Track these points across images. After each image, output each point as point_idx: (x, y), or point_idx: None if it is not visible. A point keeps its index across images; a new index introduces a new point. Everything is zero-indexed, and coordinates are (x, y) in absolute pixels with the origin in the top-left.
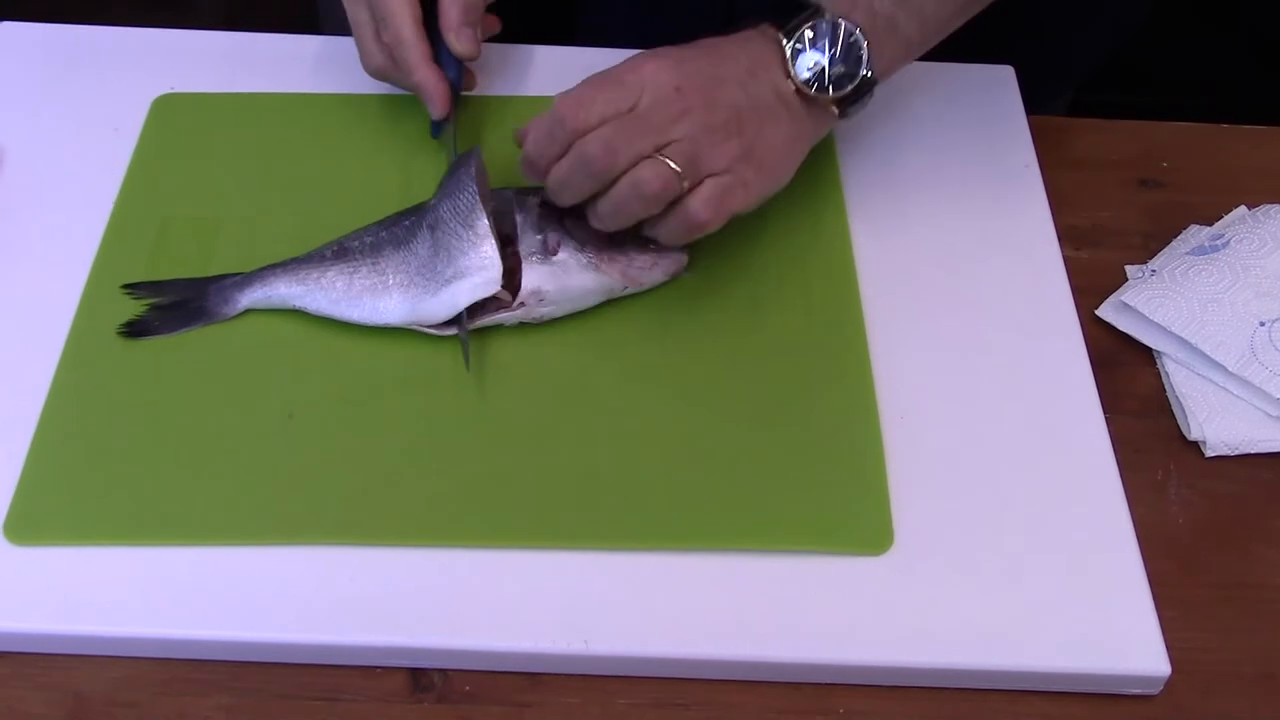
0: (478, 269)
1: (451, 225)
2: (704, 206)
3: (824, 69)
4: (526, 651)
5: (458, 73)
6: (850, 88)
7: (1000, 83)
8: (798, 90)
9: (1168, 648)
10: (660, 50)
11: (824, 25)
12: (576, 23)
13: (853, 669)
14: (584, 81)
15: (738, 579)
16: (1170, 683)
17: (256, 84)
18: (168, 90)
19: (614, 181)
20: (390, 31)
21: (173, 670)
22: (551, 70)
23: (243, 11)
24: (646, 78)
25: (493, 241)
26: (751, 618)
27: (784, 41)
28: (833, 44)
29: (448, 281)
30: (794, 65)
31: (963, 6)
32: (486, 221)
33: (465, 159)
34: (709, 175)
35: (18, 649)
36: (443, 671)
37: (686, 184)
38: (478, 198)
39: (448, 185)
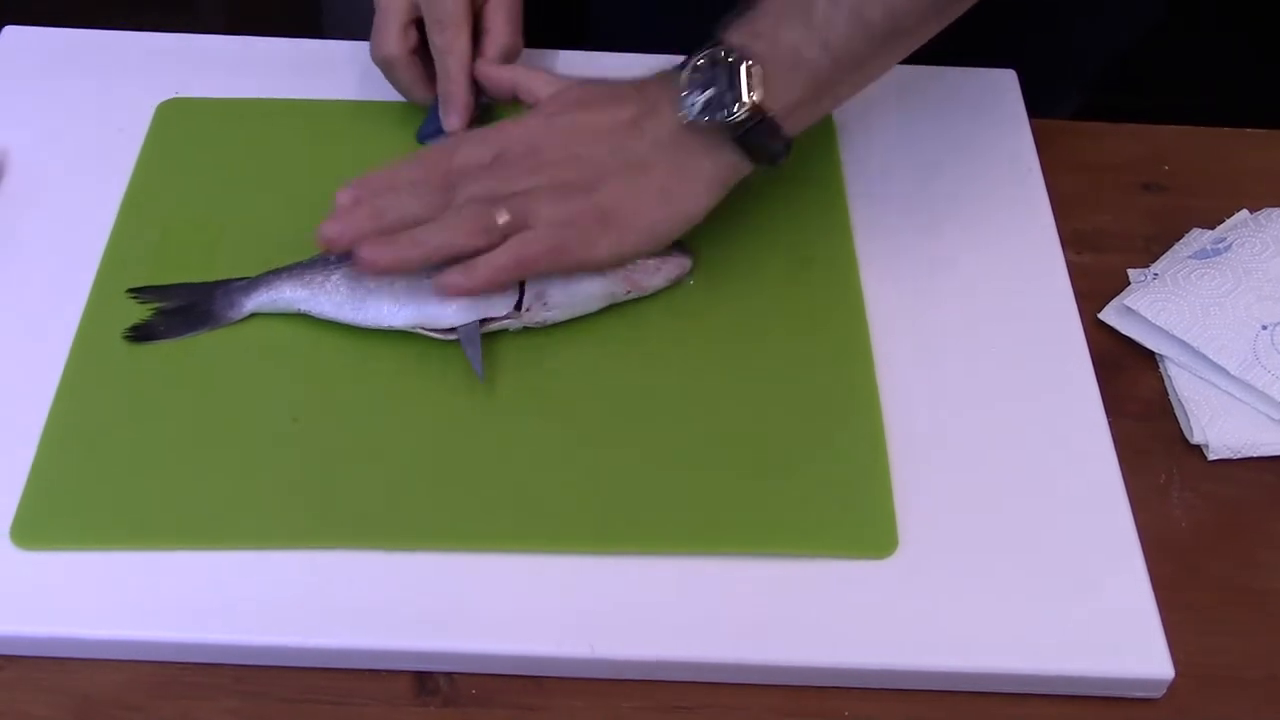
0: None
1: None
2: (534, 241)
3: (713, 99)
4: (532, 655)
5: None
6: (739, 115)
7: (1003, 87)
8: (690, 125)
9: (1171, 651)
10: (537, 108)
11: (719, 55)
12: (587, 24)
13: (857, 672)
14: (464, 132)
15: (742, 583)
16: (1174, 686)
17: (261, 88)
18: (173, 94)
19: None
20: (445, 36)
21: (178, 674)
22: (565, 74)
23: (247, 15)
24: (510, 135)
25: None
26: (756, 621)
27: (680, 75)
28: (724, 74)
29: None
30: (685, 98)
31: (880, 43)
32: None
33: None
34: (541, 226)
35: (24, 653)
36: (448, 675)
37: (500, 237)
38: None
39: None
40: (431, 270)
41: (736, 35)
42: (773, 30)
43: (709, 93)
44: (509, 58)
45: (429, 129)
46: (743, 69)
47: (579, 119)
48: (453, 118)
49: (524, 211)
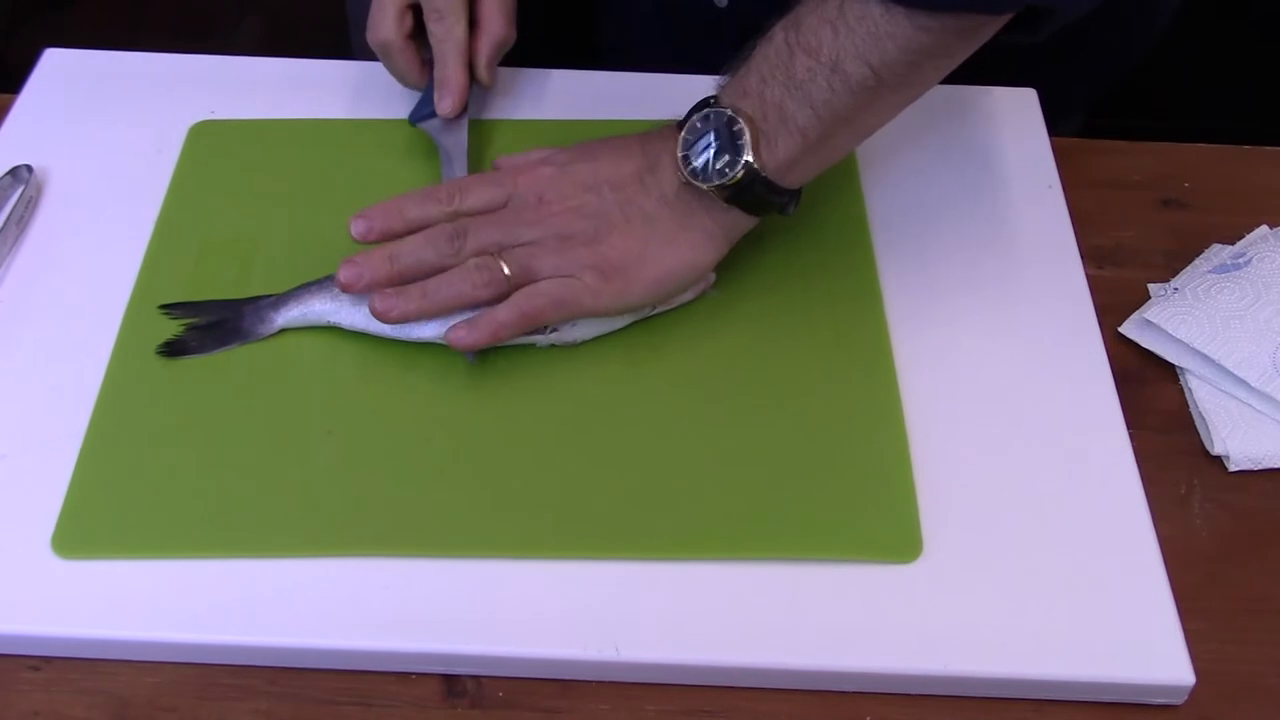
0: None
1: None
2: (536, 295)
3: (709, 161)
4: (559, 658)
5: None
6: (731, 177)
7: (1023, 105)
8: (687, 184)
9: (1192, 659)
10: (549, 156)
11: (710, 115)
12: (598, 45)
13: (880, 677)
14: (469, 176)
15: (767, 587)
16: (1195, 693)
17: (292, 109)
18: (207, 114)
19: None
20: (444, 25)
21: (212, 676)
22: (573, 94)
23: (278, 38)
24: (520, 183)
25: None
26: (780, 625)
27: (679, 136)
28: (717, 136)
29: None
30: (682, 159)
31: (861, 100)
32: None
33: None
34: (544, 279)
35: (63, 654)
36: (476, 678)
37: (513, 286)
38: None
39: None
40: None
41: (727, 94)
42: (759, 89)
43: (705, 155)
44: (502, 48)
45: (421, 112)
46: (734, 129)
47: (585, 171)
48: (447, 102)
49: (529, 265)
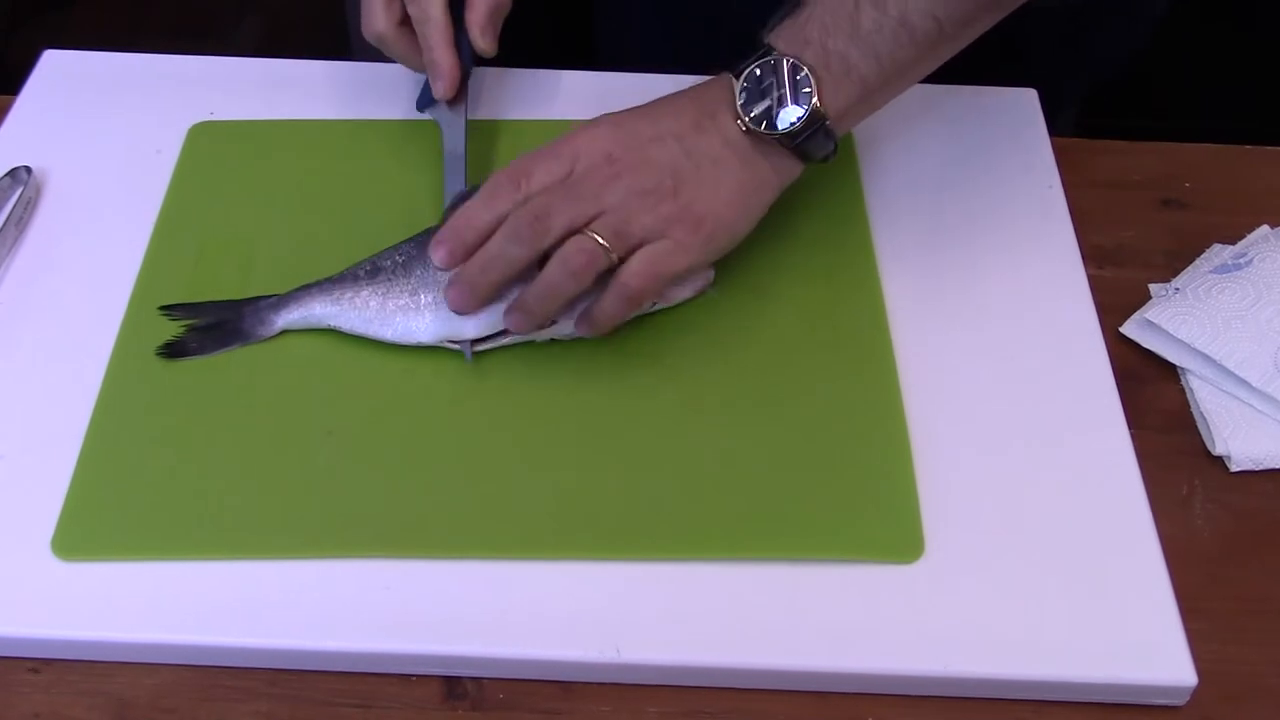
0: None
1: None
2: (634, 277)
3: (772, 107)
4: (559, 660)
5: (469, 59)
6: (797, 124)
7: (1023, 105)
8: (748, 131)
9: (1194, 659)
10: (601, 117)
11: (772, 63)
12: (597, 45)
13: (881, 678)
14: (523, 155)
15: (768, 588)
16: (1197, 694)
17: (291, 110)
18: (207, 115)
19: (544, 262)
20: (420, 6)
21: (212, 677)
22: (572, 95)
23: (277, 39)
24: (580, 147)
25: (537, 272)
26: (782, 626)
27: (734, 83)
28: (780, 83)
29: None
30: (743, 107)
31: (925, 49)
32: None
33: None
34: (640, 244)
35: (64, 656)
36: (477, 680)
37: (616, 256)
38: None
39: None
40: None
41: (787, 44)
42: (821, 39)
43: (765, 102)
44: (499, 12)
45: (424, 98)
46: (799, 78)
47: (645, 125)
48: (439, 84)
49: (623, 230)
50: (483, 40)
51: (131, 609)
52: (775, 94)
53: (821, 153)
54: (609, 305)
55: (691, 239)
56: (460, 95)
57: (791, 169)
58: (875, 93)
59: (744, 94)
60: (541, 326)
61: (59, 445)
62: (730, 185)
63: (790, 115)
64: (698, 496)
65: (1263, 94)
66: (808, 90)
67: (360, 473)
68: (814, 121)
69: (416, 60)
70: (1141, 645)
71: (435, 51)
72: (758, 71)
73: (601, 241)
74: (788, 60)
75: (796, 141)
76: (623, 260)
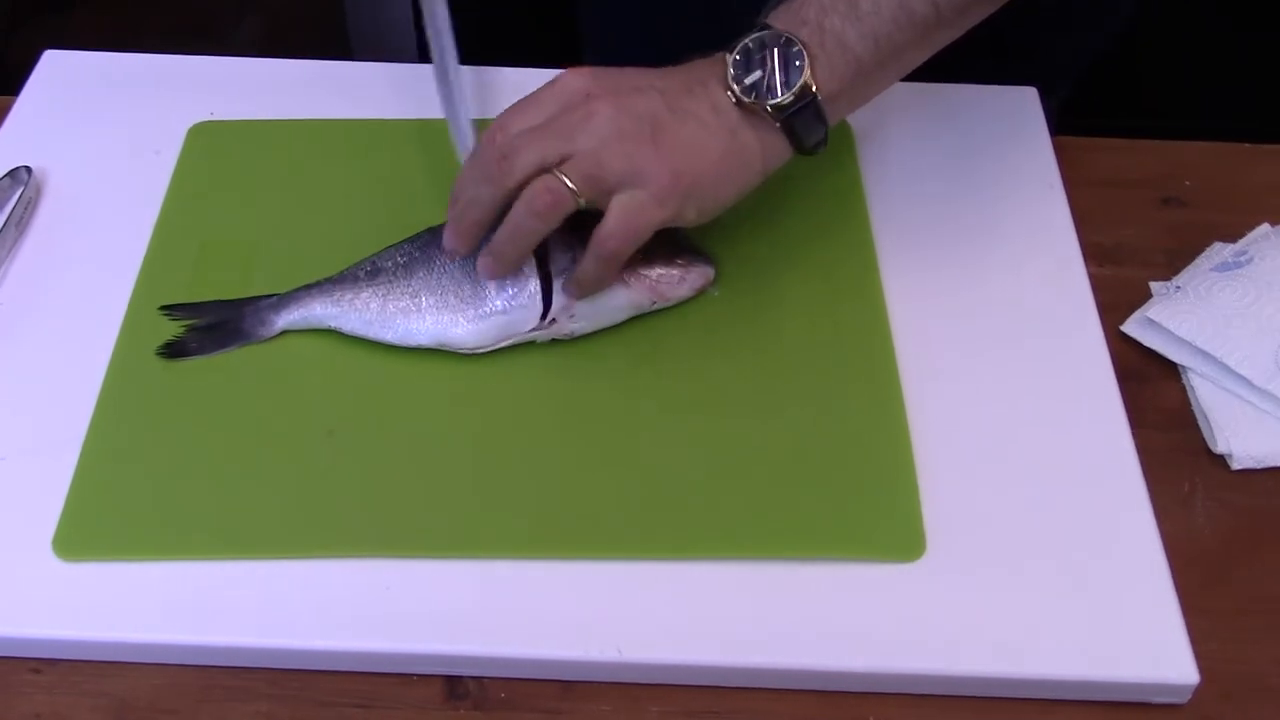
0: (519, 308)
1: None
2: (610, 238)
3: (762, 79)
4: (561, 659)
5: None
6: (789, 98)
7: (1024, 104)
8: (737, 103)
9: (1196, 657)
10: (586, 68)
11: (765, 39)
12: (583, 45)
13: (884, 677)
14: (512, 105)
15: (771, 587)
16: (1198, 692)
17: (291, 109)
18: (207, 115)
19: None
20: None
21: (213, 678)
22: None
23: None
24: (558, 88)
25: (537, 281)
26: (784, 625)
27: (728, 57)
28: (773, 57)
29: (486, 315)
30: (734, 78)
31: (921, 34)
32: (533, 262)
33: None
34: (612, 190)
35: (66, 656)
36: (478, 679)
37: (584, 200)
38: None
39: None
40: (457, 288)
41: (782, 21)
42: (818, 18)
43: (756, 74)
44: None
45: None
46: (790, 54)
47: (631, 74)
48: None
49: (593, 173)
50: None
51: (133, 609)
52: (768, 67)
53: (812, 137)
54: (590, 267)
55: (667, 190)
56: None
57: (780, 150)
58: (870, 76)
59: (736, 66)
60: (511, 270)
61: (60, 446)
62: (714, 148)
63: (780, 88)
64: (698, 496)
65: (1263, 92)
66: (799, 64)
67: (361, 473)
68: (804, 96)
69: None
70: (1143, 644)
71: None
72: (751, 46)
73: (569, 184)
74: (783, 35)
75: (785, 115)
76: (594, 207)
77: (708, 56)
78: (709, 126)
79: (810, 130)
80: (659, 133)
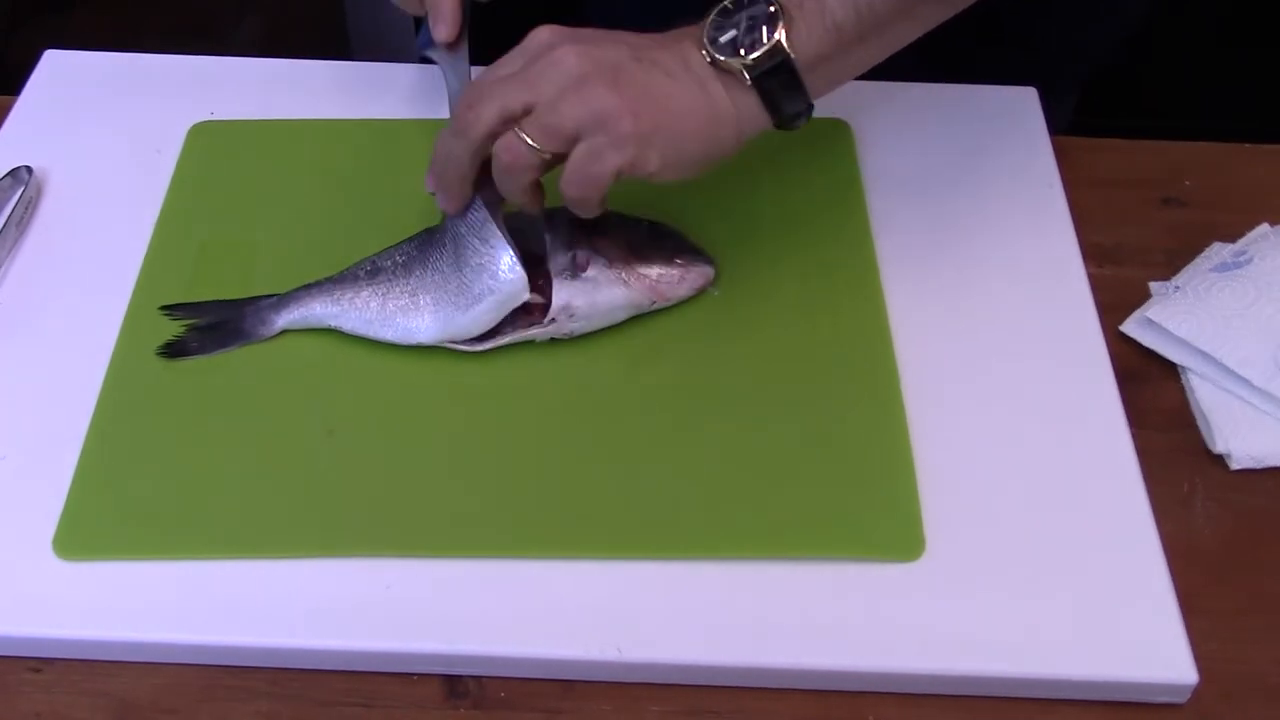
0: (504, 283)
1: (468, 240)
2: (569, 186)
3: (737, 37)
4: (560, 658)
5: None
6: (759, 54)
7: (1023, 104)
8: (712, 62)
9: (1195, 658)
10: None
11: (744, 1)
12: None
13: (882, 676)
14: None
15: (770, 587)
16: (1198, 692)
17: (291, 109)
18: (207, 115)
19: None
20: None
21: (214, 677)
22: None
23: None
24: (528, 41)
25: (510, 252)
26: (783, 625)
27: (704, 20)
28: (746, 19)
29: (476, 299)
30: (708, 37)
31: (904, 7)
32: (501, 234)
33: None
34: (573, 138)
35: (65, 655)
36: (478, 679)
37: (549, 154)
38: (485, 210)
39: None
40: (448, 282)
41: None
42: None
43: (731, 33)
44: None
45: (425, 39)
46: (767, 14)
47: (600, 32)
48: (440, 28)
49: (551, 124)
50: (439, 32)
51: (132, 608)
52: (742, 26)
53: (789, 106)
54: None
55: (626, 135)
56: (460, 38)
57: (755, 114)
58: (850, 45)
59: (712, 26)
60: (455, 209)
61: (60, 445)
62: (683, 100)
63: (753, 43)
64: (698, 495)
65: (1263, 93)
66: (775, 24)
67: (362, 472)
68: (775, 54)
69: (414, 6)
70: (1142, 643)
71: None
72: (730, 6)
73: (529, 140)
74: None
75: (756, 74)
76: (558, 157)
77: (685, 26)
78: (676, 77)
79: (787, 98)
80: (621, 80)
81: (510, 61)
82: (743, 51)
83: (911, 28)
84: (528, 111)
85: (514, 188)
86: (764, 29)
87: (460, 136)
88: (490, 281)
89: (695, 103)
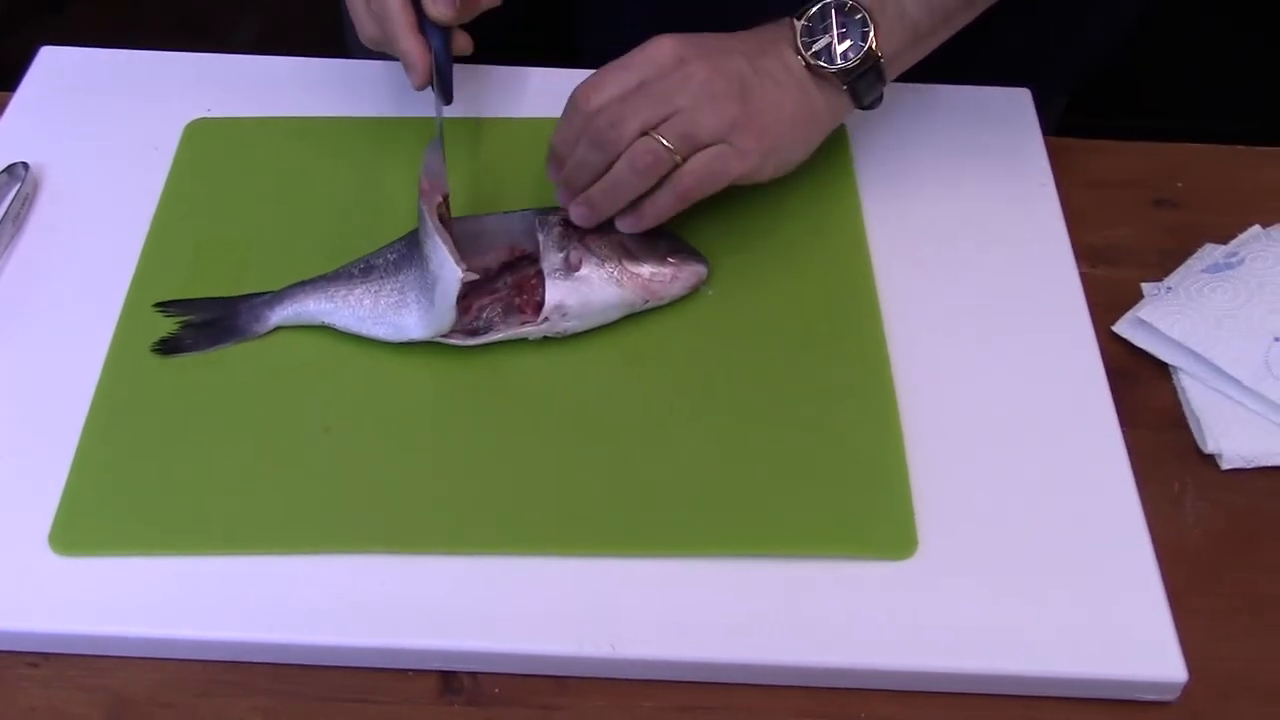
0: (440, 267)
1: (420, 233)
2: (689, 175)
3: (830, 44)
4: (555, 655)
5: (443, 42)
6: (855, 61)
7: (1016, 105)
8: (807, 66)
9: (1185, 656)
10: (670, 34)
11: (831, 6)
12: (579, 45)
13: (875, 673)
14: (599, 69)
15: (763, 584)
16: (1187, 690)
17: (287, 107)
18: (203, 113)
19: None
20: (380, 3)
21: (211, 673)
22: (551, 92)
23: (274, 37)
24: (650, 54)
25: (437, 239)
26: (776, 622)
27: (795, 22)
28: (840, 24)
29: (432, 287)
30: (803, 42)
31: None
32: (431, 222)
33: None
34: (705, 146)
35: (62, 650)
36: (473, 674)
37: (680, 158)
38: (420, 198)
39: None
40: (424, 276)
41: None
42: None
43: (823, 40)
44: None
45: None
46: (857, 18)
47: (713, 38)
48: (412, 76)
49: (688, 132)
50: (434, 8)
51: (129, 604)
52: (835, 32)
53: (870, 95)
54: (662, 199)
55: (753, 146)
56: (442, 86)
57: (843, 107)
58: (924, 38)
59: (804, 32)
60: (600, 220)
61: (56, 441)
62: (791, 107)
63: (848, 53)
64: (692, 493)
65: (1255, 94)
66: (865, 30)
67: (357, 468)
68: (869, 60)
69: (391, 49)
70: (1133, 641)
71: (401, 42)
72: (816, 12)
73: (666, 144)
74: (847, 2)
75: (851, 79)
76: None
77: (776, 22)
78: (783, 85)
79: (871, 89)
80: (748, 93)
81: (629, 71)
82: (837, 60)
83: (969, 16)
84: (663, 122)
85: (639, 185)
86: (857, 36)
87: (602, 150)
88: (437, 271)
89: (800, 109)
